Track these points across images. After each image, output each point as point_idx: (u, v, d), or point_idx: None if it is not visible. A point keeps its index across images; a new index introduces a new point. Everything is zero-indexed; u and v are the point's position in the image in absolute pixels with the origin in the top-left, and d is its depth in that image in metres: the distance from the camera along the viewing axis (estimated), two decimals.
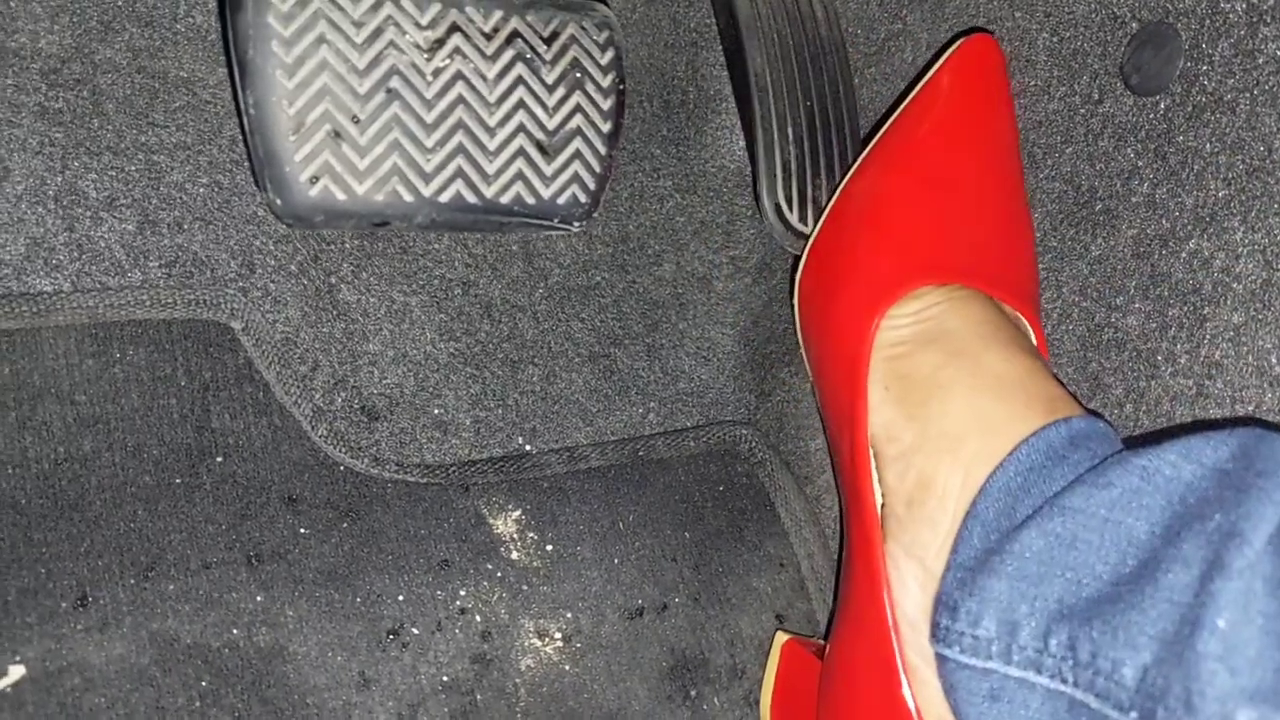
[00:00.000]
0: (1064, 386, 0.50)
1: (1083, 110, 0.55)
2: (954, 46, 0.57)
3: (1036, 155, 0.57)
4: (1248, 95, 0.48)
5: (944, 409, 0.49)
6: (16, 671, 0.45)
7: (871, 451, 0.51)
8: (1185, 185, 0.50)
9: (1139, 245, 0.52)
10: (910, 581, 0.48)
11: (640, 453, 0.64)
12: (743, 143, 0.67)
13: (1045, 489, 0.44)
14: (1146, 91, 0.52)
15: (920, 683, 0.47)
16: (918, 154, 0.55)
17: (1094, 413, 0.49)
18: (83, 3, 0.54)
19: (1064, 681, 0.41)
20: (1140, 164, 0.52)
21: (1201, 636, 0.36)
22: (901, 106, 0.58)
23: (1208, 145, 0.49)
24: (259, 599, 0.50)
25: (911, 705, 0.47)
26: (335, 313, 0.58)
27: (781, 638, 0.60)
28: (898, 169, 0.56)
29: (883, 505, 0.51)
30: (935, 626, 0.46)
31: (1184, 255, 0.50)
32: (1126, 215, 0.53)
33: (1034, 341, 0.54)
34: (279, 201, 0.45)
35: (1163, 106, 0.51)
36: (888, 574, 0.49)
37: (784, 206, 0.61)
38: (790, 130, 0.61)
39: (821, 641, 0.59)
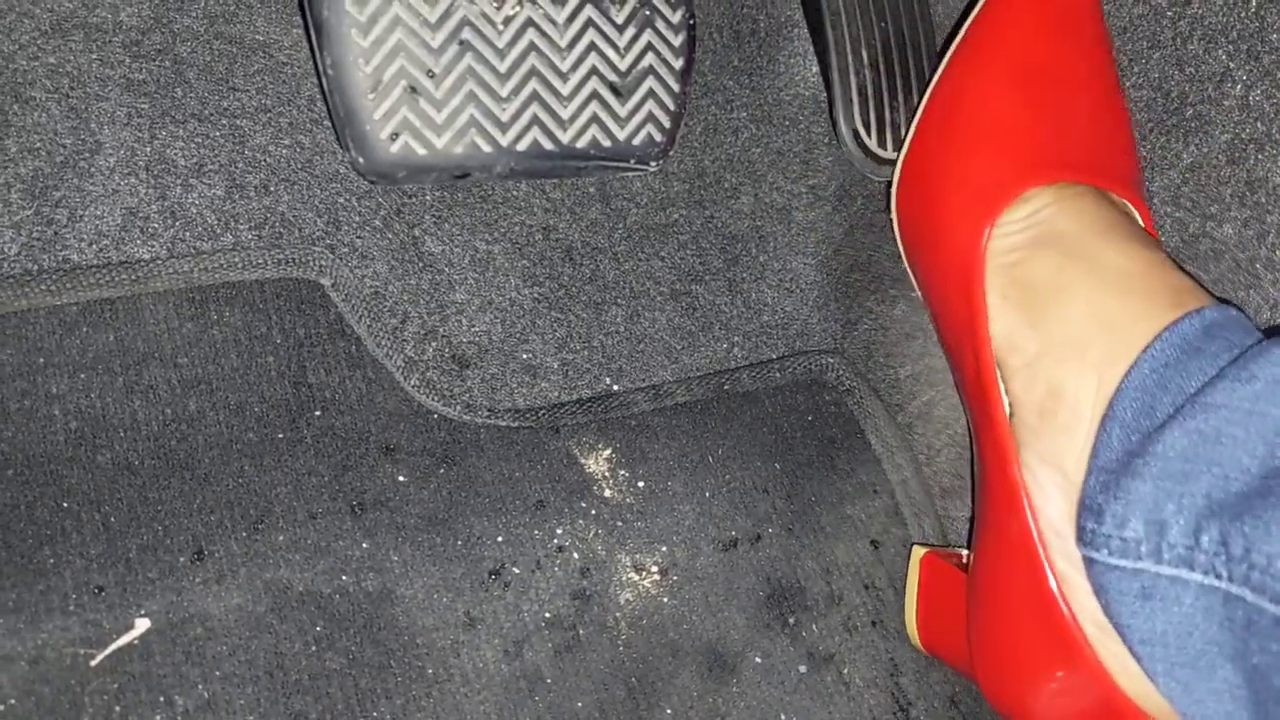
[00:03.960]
0: (1189, 276, 0.49)
1: (1170, 13, 0.53)
2: None
3: (1122, 63, 0.55)
4: None
5: (1066, 312, 0.48)
6: (142, 624, 0.47)
7: (996, 363, 0.51)
8: None
9: (1233, 150, 0.51)
10: (1051, 489, 0.48)
11: (726, 387, 0.65)
12: (816, 68, 0.66)
13: (1184, 384, 0.43)
14: None
15: (1070, 588, 0.47)
16: (1006, 47, 0.53)
17: (1223, 300, 0.48)
18: None
19: (1218, 577, 0.40)
20: (1232, 66, 0.50)
21: None
22: (981, 2, 0.56)
23: None
24: (365, 546, 0.52)
25: (1065, 610, 0.47)
26: (421, 265, 0.59)
27: (919, 551, 0.60)
28: (987, 66, 0.54)
29: (1012, 415, 0.50)
30: (1081, 530, 0.45)
31: None
32: (1219, 120, 0.51)
33: (1146, 230, 0.52)
34: (361, 159, 0.45)
35: (1254, 4, 0.49)
36: (1026, 484, 0.48)
37: (862, 132, 0.60)
38: (865, 54, 0.60)
39: (959, 550, 0.59)
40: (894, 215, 0.58)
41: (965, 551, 0.58)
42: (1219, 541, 0.40)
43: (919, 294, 0.58)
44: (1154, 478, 0.43)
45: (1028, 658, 0.49)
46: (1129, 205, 0.52)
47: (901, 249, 0.58)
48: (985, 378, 0.51)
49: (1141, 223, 0.52)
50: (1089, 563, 0.46)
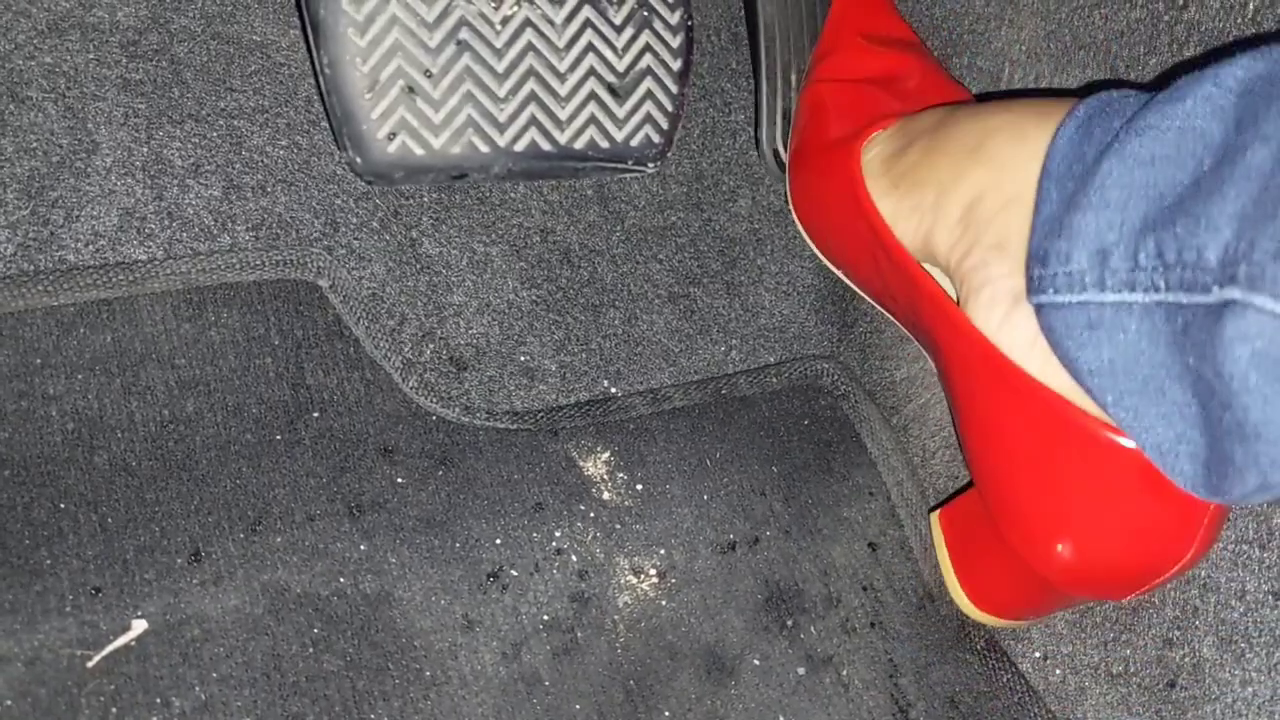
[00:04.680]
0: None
1: (1166, 17, 0.53)
2: None
3: (1119, 68, 0.56)
4: None
5: (951, 147, 0.49)
6: (139, 625, 0.47)
7: (918, 259, 0.51)
8: (1262, 39, 0.48)
9: None
10: (997, 280, 0.47)
11: (723, 391, 0.65)
12: (753, 87, 0.69)
13: (1111, 125, 0.43)
14: None
15: (1044, 368, 0.46)
16: (841, 56, 0.61)
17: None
18: None
19: (1156, 290, 0.40)
20: None
21: None
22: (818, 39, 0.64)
23: None
24: (362, 548, 0.52)
25: (1039, 383, 0.46)
26: (419, 266, 0.59)
27: (934, 514, 0.61)
28: (828, 70, 0.61)
29: (955, 278, 0.50)
30: (1029, 281, 0.45)
31: None
32: None
33: None
34: (358, 160, 0.45)
35: (1251, 8, 0.49)
36: (978, 323, 0.48)
37: (781, 151, 0.63)
38: (794, 78, 0.63)
39: (966, 492, 0.59)
40: (792, 210, 0.61)
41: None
42: (1155, 254, 0.40)
43: (840, 273, 0.61)
44: (1094, 208, 0.42)
45: (1038, 474, 0.48)
46: None
47: (807, 238, 0.61)
48: (901, 265, 0.51)
49: None
50: (1039, 310, 0.45)
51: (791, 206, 0.62)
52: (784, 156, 0.64)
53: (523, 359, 0.60)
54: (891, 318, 0.61)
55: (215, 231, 0.55)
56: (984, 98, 0.61)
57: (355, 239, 0.57)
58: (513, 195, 0.61)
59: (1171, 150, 0.41)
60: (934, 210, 0.50)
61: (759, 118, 0.64)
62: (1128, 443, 0.44)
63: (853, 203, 0.54)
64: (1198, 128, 0.40)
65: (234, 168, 0.55)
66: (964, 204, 0.48)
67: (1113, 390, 0.43)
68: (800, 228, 0.61)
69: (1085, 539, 0.48)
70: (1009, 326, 0.47)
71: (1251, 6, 0.49)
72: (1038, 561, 0.50)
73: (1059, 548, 0.48)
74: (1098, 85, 0.50)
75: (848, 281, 0.60)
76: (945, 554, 0.60)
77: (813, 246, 0.61)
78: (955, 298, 0.51)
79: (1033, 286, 0.45)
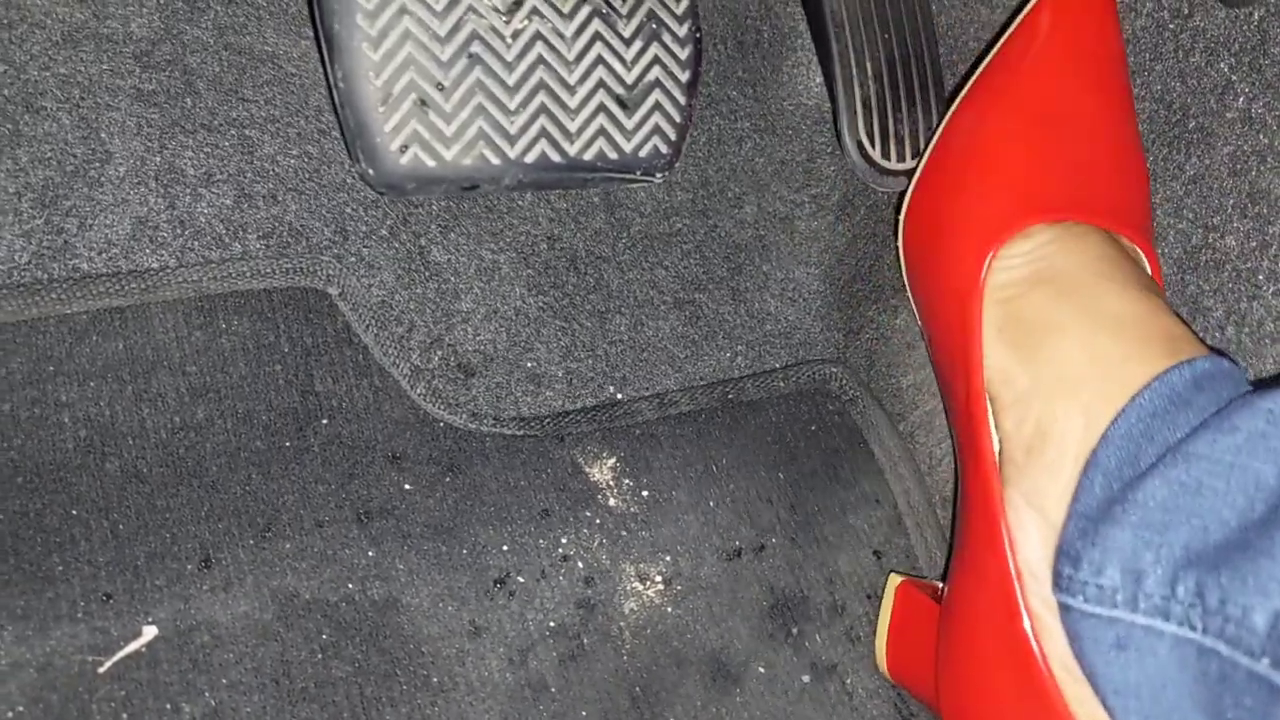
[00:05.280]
0: (1185, 324, 0.49)
1: (1172, 25, 0.53)
2: None
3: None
4: None
5: (1059, 351, 0.48)
6: (149, 631, 0.48)
7: (987, 396, 0.51)
8: None
9: (1236, 162, 0.51)
10: (1031, 529, 0.47)
11: (730, 396, 0.65)
12: (819, 79, 0.67)
13: (1169, 435, 0.43)
14: (1238, 3, 0.50)
15: (1043, 629, 0.47)
16: (1023, 87, 0.54)
17: (1218, 351, 0.47)
18: None
19: (1193, 629, 0.40)
20: (1234, 78, 0.51)
21: None
22: (1003, 37, 0.56)
23: None
24: (371, 554, 0.52)
25: (1038, 653, 0.47)
26: (427, 274, 0.59)
27: (895, 580, 0.60)
28: (1002, 104, 0.54)
29: (1000, 452, 0.50)
30: (1058, 576, 0.45)
31: None
32: (1221, 132, 0.51)
33: (1151, 275, 0.52)
34: (371, 171, 0.46)
35: (1256, 17, 0.49)
36: (1008, 521, 0.48)
37: (866, 143, 0.60)
38: (869, 65, 0.61)
39: (935, 583, 0.59)
40: (900, 245, 0.58)
41: (941, 585, 0.58)
42: (1195, 593, 0.40)
43: (915, 314, 0.59)
44: (1133, 526, 0.42)
45: (995, 698, 0.49)
46: (1138, 251, 0.52)
47: (906, 279, 0.58)
48: (975, 410, 0.51)
49: (1149, 269, 0.52)
50: (1064, 609, 0.45)
51: (901, 239, 0.58)
52: (870, 149, 0.61)
53: (529, 365, 0.61)
54: (896, 324, 0.61)
55: (227, 240, 0.55)
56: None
57: (364, 247, 0.58)
58: (520, 203, 0.62)
59: (1220, 483, 0.40)
60: (1017, 393, 0.49)
61: (836, 108, 0.61)
62: None
63: (962, 312, 0.52)
64: (1249, 467, 0.40)
65: (245, 176, 0.56)
66: (1038, 423, 0.48)
67: (1137, 713, 0.43)
68: (901, 260, 0.58)
69: None
70: (1029, 594, 0.47)
71: (1257, 15, 0.50)
72: None
73: None
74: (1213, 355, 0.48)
75: (919, 321, 0.58)
76: (886, 622, 0.59)
77: (905, 279, 0.58)
78: (996, 439, 0.51)
79: (1061, 583, 0.45)
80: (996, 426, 0.50)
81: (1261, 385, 0.44)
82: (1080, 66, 0.54)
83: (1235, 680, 0.39)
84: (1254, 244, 0.50)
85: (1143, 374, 0.45)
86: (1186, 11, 0.52)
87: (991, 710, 0.49)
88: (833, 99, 0.61)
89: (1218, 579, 0.39)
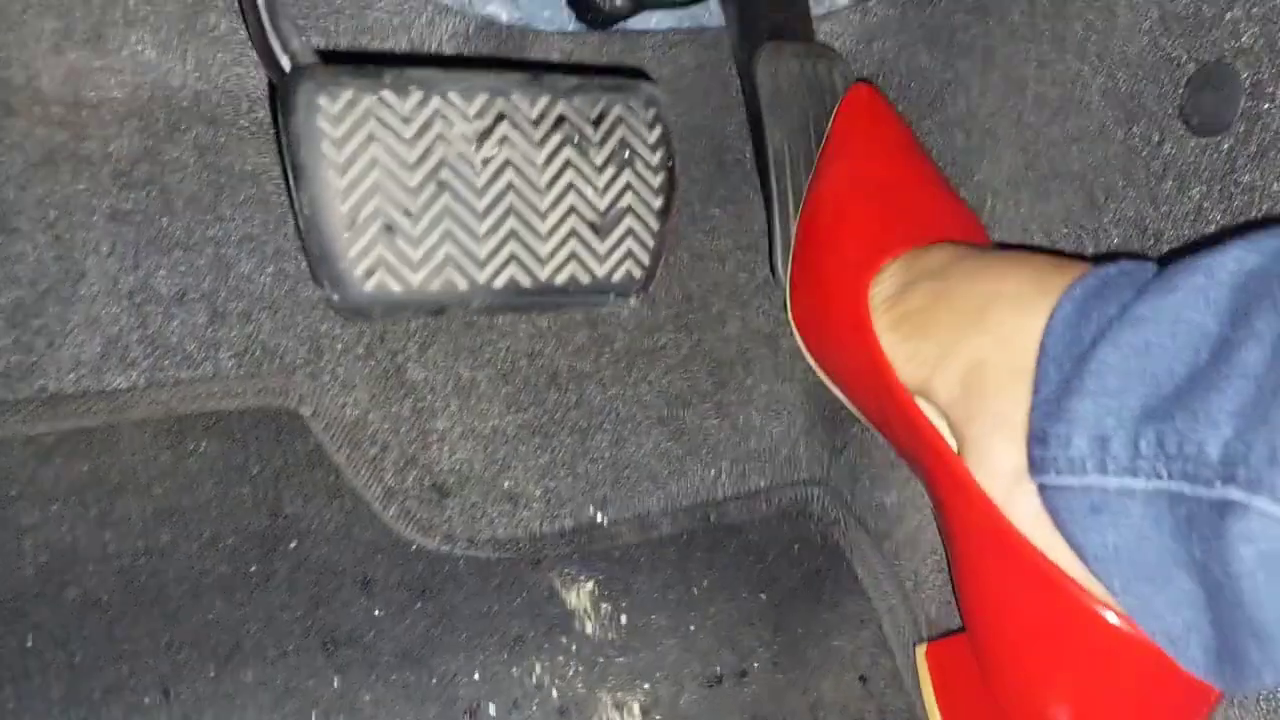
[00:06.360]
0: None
1: (1143, 153, 0.54)
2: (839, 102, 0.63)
3: (1099, 199, 0.56)
4: None
5: (954, 306, 0.50)
6: None
7: (917, 396, 0.52)
8: (1252, 225, 0.49)
9: None
10: (1000, 455, 0.47)
11: (712, 518, 0.64)
12: (765, 214, 0.68)
13: (1107, 310, 0.44)
14: (1208, 132, 0.50)
15: (1046, 538, 0.46)
16: (855, 165, 0.61)
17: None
18: (151, 106, 0.56)
19: (1159, 478, 0.41)
20: (1205, 205, 0.51)
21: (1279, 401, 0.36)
22: (824, 140, 0.63)
23: (1275, 184, 0.48)
24: (335, 684, 0.51)
25: (1044, 558, 0.46)
26: (403, 392, 0.58)
27: (921, 649, 0.59)
28: (836, 178, 0.61)
29: (951, 429, 0.51)
30: (1031, 461, 0.45)
31: None
32: None
33: None
34: (336, 297, 0.46)
35: (1225, 146, 0.50)
36: (979, 479, 0.48)
37: None
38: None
39: (952, 636, 0.58)
40: (791, 322, 0.61)
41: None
42: (1156, 444, 0.41)
43: (837, 391, 0.61)
44: (1091, 395, 0.43)
45: (1032, 636, 0.48)
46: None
47: (806, 352, 0.61)
48: (904, 409, 0.51)
49: None
50: (1042, 490, 0.46)
51: (791, 318, 0.61)
52: None
53: (506, 485, 0.60)
54: (883, 439, 0.61)
55: (198, 359, 0.55)
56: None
57: (339, 365, 0.57)
58: (501, 320, 0.62)
59: (1167, 339, 0.42)
60: (934, 364, 0.50)
61: (772, 243, 0.63)
62: (1135, 630, 0.44)
63: (857, 335, 0.54)
64: (1191, 320, 0.42)
65: (220, 295, 0.56)
66: (965, 368, 0.49)
67: (1119, 576, 0.43)
68: (799, 340, 0.61)
69: (1084, 713, 0.47)
70: (1012, 500, 0.47)
71: (1226, 145, 0.50)
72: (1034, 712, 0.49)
73: (1055, 716, 0.48)
74: (1103, 258, 0.51)
75: (843, 400, 0.60)
76: (931, 693, 0.58)
77: (810, 359, 0.61)
78: (952, 441, 0.51)
79: (1035, 466, 0.45)
80: (939, 412, 0.51)
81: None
82: (888, 150, 0.62)
83: (1199, 516, 0.39)
84: None
85: (1048, 286, 0.47)
86: (1157, 139, 0.53)
87: (1035, 651, 0.48)
88: (770, 233, 0.63)
89: (1174, 424, 0.40)
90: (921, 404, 0.52)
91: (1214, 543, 0.39)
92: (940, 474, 0.51)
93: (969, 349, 0.49)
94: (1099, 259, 0.51)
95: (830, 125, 0.63)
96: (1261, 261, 0.41)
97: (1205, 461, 0.39)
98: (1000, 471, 0.48)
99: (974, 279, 0.51)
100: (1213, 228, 0.50)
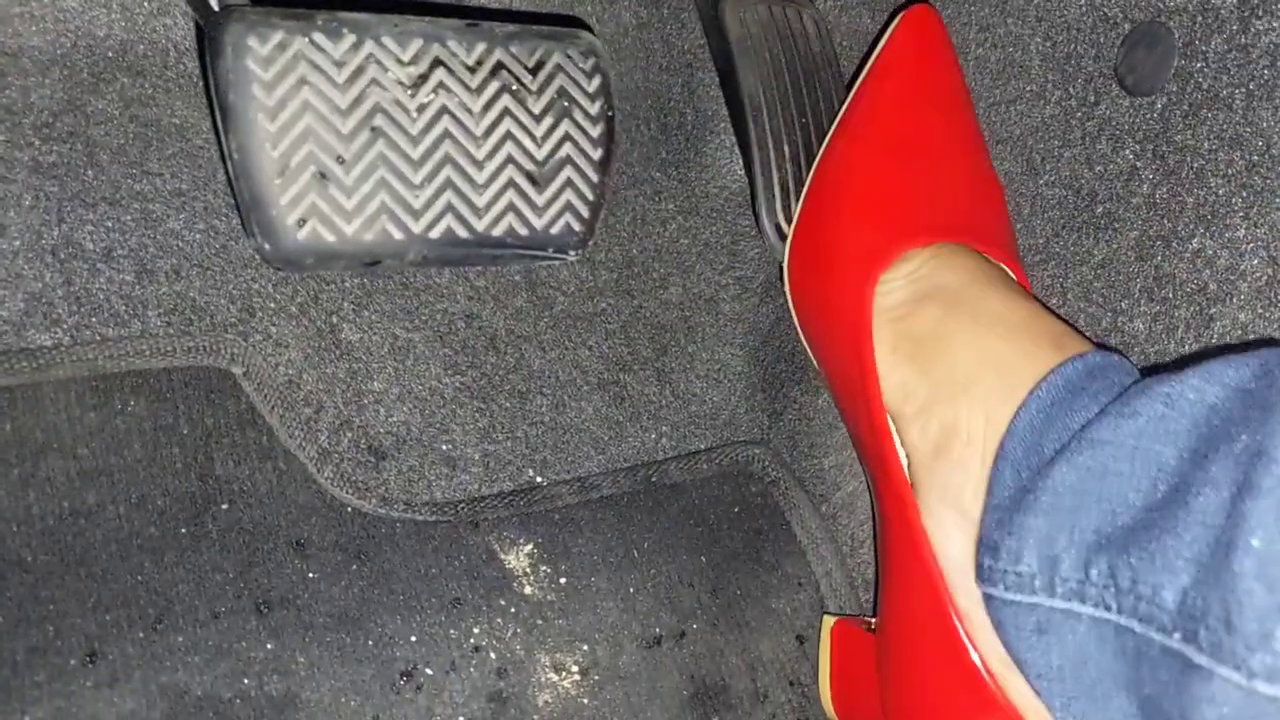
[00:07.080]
0: (1068, 324, 0.50)
1: (1079, 113, 0.54)
2: (897, 18, 0.58)
3: (1035, 161, 0.57)
4: (1243, 90, 0.47)
5: (954, 358, 0.49)
6: None
7: (890, 416, 0.52)
8: (1185, 184, 0.49)
9: (1142, 247, 0.52)
10: (951, 529, 0.48)
11: (653, 478, 0.64)
12: (742, 162, 0.67)
13: (1069, 422, 0.45)
14: (1142, 92, 0.51)
15: (975, 626, 0.47)
16: (880, 122, 0.57)
17: (1105, 346, 0.49)
18: (74, 55, 0.54)
19: (1107, 609, 0.41)
20: (1139, 165, 0.51)
21: (1236, 556, 0.36)
22: (859, 80, 0.59)
23: (1206, 143, 0.48)
24: (269, 647, 0.50)
25: (972, 649, 0.47)
26: (338, 353, 0.57)
27: (829, 620, 0.59)
28: (863, 140, 0.57)
29: (910, 465, 0.51)
30: (979, 568, 0.46)
31: (1187, 255, 0.49)
32: (1128, 217, 0.52)
33: (1022, 285, 0.54)
34: (267, 246, 0.44)
35: (1159, 106, 0.50)
36: (926, 525, 0.49)
37: (784, 225, 0.61)
38: (786, 149, 0.61)
39: (868, 619, 0.59)
40: (787, 287, 0.59)
41: (874, 620, 0.58)
42: (1108, 575, 0.41)
43: (816, 365, 0.60)
44: (1045, 512, 0.44)
45: (939, 704, 0.49)
46: (1004, 266, 0.54)
47: (796, 321, 0.59)
48: (878, 428, 0.51)
49: (1016, 281, 0.54)
50: (988, 599, 0.46)
51: (786, 282, 0.60)
52: (788, 230, 0.61)
53: (444, 448, 0.59)
54: (831, 412, 0.61)
55: (126, 317, 0.53)
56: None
57: (273, 324, 0.56)
58: (438, 280, 0.61)
59: (1125, 466, 0.42)
60: (919, 408, 0.50)
61: (754, 192, 0.62)
62: None
63: (855, 335, 0.53)
64: (1150, 449, 0.42)
65: (148, 252, 0.54)
66: (942, 428, 0.49)
67: (1061, 695, 0.44)
68: (790, 303, 0.60)
69: None
70: (957, 588, 0.48)
71: (1160, 104, 0.51)
72: None
73: None
74: (1102, 347, 0.50)
75: (813, 361, 0.60)
76: (827, 665, 0.59)
77: (796, 322, 0.60)
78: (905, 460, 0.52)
79: (983, 575, 0.46)
80: (903, 442, 0.51)
81: (1151, 373, 0.45)
82: (929, 100, 0.57)
83: (1150, 655, 0.40)
84: (1161, 327, 0.51)
85: (1036, 368, 0.47)
86: (1093, 100, 0.53)
87: (938, 716, 0.49)
88: (751, 182, 0.61)
89: (1128, 560, 0.40)
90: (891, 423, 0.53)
91: (1172, 691, 0.39)
92: (890, 502, 0.52)
93: (952, 410, 0.49)
94: (1100, 346, 0.51)
95: (879, 51, 0.59)
96: (1221, 396, 0.41)
97: (1161, 606, 0.39)
98: (949, 555, 0.48)
99: (978, 329, 0.50)
100: (1145, 186, 0.51)
